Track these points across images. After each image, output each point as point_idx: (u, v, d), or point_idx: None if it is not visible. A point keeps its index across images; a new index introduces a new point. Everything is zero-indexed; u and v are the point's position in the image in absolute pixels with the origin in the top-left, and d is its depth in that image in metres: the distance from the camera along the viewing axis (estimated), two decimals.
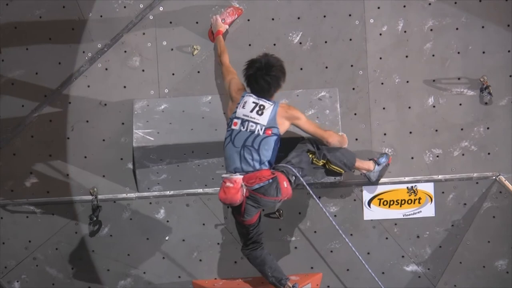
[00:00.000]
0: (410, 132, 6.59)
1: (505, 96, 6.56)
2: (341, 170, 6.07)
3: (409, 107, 6.58)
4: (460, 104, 6.58)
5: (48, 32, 6.46)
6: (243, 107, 5.73)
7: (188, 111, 6.40)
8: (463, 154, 6.61)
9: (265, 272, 6.14)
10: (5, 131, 6.51)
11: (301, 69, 6.53)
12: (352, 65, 6.54)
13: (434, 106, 6.58)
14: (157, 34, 6.49)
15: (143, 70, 6.51)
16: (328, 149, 5.95)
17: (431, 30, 6.53)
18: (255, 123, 5.69)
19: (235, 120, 5.74)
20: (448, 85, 6.56)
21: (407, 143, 6.60)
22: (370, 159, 6.44)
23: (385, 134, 6.59)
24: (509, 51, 6.52)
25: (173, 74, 6.52)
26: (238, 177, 5.62)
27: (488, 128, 6.58)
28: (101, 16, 6.46)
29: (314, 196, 5.87)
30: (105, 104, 6.51)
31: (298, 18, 6.50)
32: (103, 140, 6.54)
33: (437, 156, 6.61)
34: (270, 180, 5.67)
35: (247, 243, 6.08)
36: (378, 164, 6.42)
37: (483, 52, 6.54)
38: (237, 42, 6.47)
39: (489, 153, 6.60)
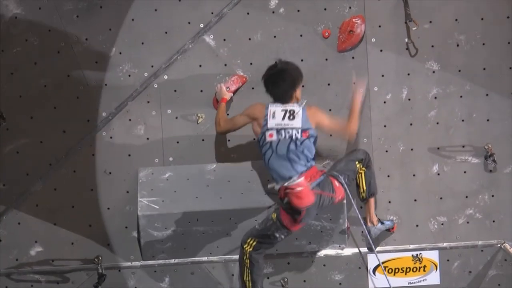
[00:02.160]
0: (415, 200, 6.59)
1: (509, 164, 6.57)
2: (364, 188, 6.18)
3: (414, 175, 6.58)
4: (465, 172, 6.58)
5: (53, 101, 6.44)
6: (273, 117, 5.79)
7: (192, 179, 6.39)
8: (468, 222, 6.60)
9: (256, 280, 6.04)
10: (10, 200, 6.49)
11: None
12: (356, 133, 6.54)
13: (438, 174, 6.58)
14: (161, 102, 6.49)
15: (147, 138, 6.50)
16: (370, 164, 6.17)
17: (435, 98, 6.54)
18: (291, 129, 5.76)
19: (270, 132, 5.80)
20: (452, 153, 6.56)
21: (412, 211, 6.60)
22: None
23: (389, 201, 6.59)
24: None
25: (177, 142, 6.52)
26: (301, 180, 5.68)
27: (493, 195, 6.58)
28: (105, 84, 6.45)
29: (351, 197, 5.95)
30: (110, 173, 6.51)
31: (303, 86, 6.45)
32: (108, 208, 6.53)
33: (442, 224, 6.60)
34: (324, 175, 5.83)
35: (258, 250, 5.97)
36: (382, 223, 6.44)
37: (488, 120, 6.55)
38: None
39: (494, 221, 6.60)
